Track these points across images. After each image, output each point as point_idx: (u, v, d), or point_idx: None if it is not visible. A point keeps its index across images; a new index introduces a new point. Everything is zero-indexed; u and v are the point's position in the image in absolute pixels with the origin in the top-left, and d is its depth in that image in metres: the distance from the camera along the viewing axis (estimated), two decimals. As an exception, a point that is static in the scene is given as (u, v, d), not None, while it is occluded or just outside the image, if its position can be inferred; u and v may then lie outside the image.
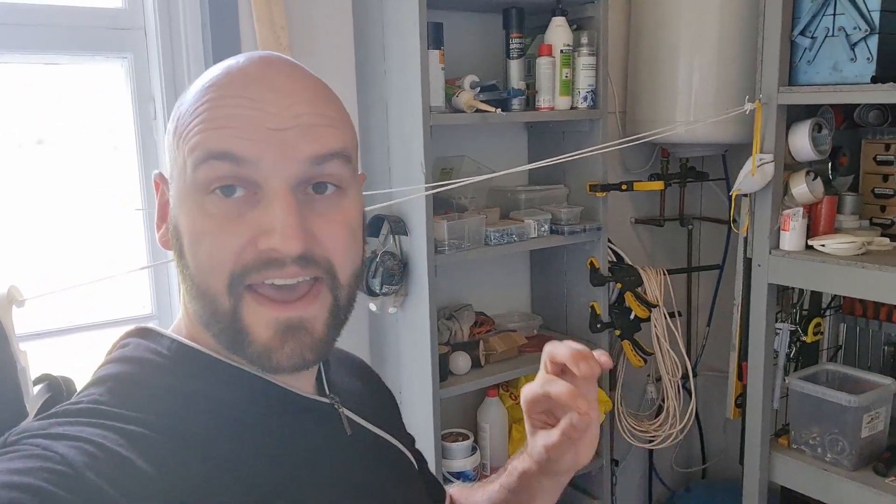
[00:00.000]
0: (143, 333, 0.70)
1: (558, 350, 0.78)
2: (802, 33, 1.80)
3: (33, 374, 0.75)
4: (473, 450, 2.04)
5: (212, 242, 0.62)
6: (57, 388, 0.70)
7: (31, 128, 1.72)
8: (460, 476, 2.00)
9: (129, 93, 1.81)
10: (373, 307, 1.97)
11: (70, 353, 1.70)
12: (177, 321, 0.73)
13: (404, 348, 1.99)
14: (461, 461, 2.00)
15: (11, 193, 1.70)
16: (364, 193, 1.77)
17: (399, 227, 1.88)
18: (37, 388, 0.71)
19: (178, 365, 0.67)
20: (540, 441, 0.81)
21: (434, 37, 1.81)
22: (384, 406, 0.90)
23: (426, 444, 1.94)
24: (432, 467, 1.90)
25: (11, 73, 1.70)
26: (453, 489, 1.01)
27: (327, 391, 0.77)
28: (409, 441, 0.92)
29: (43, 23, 1.66)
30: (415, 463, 0.87)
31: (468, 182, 1.80)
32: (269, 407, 0.69)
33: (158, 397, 0.64)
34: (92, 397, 0.63)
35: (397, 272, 1.89)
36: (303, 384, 0.73)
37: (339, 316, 0.67)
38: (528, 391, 0.80)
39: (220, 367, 0.68)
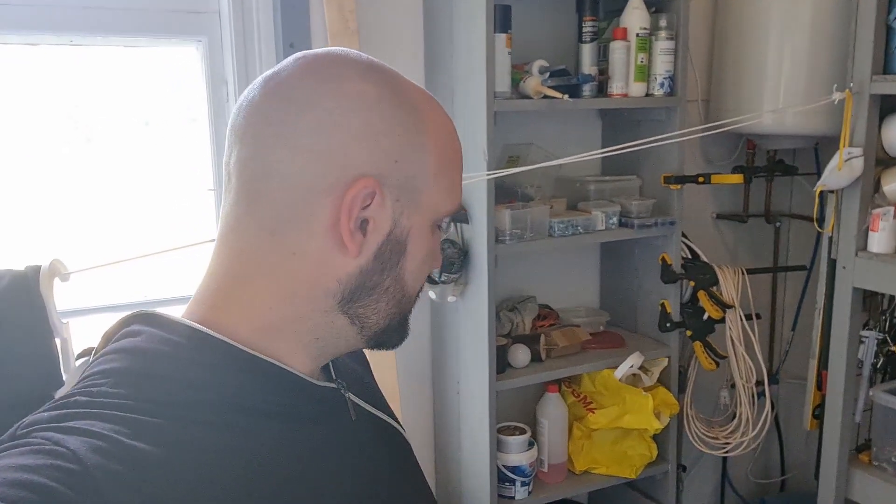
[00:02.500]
0: (152, 320, 0.68)
1: None
2: (900, 17, 1.66)
3: (81, 347, 0.76)
4: (531, 445, 2.00)
5: (430, 264, 0.74)
6: None
7: (116, 114, 1.80)
8: (515, 470, 1.96)
9: (203, 75, 1.85)
10: (432, 294, 1.95)
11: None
12: (196, 306, 0.70)
13: (464, 338, 1.96)
14: (517, 455, 1.96)
15: (81, 179, 1.78)
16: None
17: (460, 214, 1.86)
18: (80, 362, 0.71)
19: (194, 354, 0.66)
20: None
21: (501, 20, 1.76)
22: (373, 383, 0.90)
23: (482, 435, 1.92)
24: (487, 459, 1.90)
25: (94, 56, 1.77)
26: None
27: (334, 376, 0.76)
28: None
29: (122, 6, 1.72)
30: (409, 442, 0.86)
31: (529, 169, 1.76)
32: (283, 394, 0.68)
33: (174, 389, 0.63)
34: (102, 389, 0.61)
35: (457, 260, 1.87)
36: (315, 371, 0.73)
37: None
38: None
39: (238, 356, 0.67)
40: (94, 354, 0.67)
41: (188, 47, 1.85)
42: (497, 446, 1.94)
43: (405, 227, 0.68)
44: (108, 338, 0.69)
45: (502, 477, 1.97)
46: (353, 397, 0.76)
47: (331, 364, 0.77)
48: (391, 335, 0.74)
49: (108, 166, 1.80)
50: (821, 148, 2.26)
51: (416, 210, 0.69)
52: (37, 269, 0.83)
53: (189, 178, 1.88)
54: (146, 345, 0.65)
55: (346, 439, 0.72)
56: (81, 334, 0.81)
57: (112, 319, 0.71)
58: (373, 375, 0.92)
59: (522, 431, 1.99)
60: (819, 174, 2.26)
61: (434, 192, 0.69)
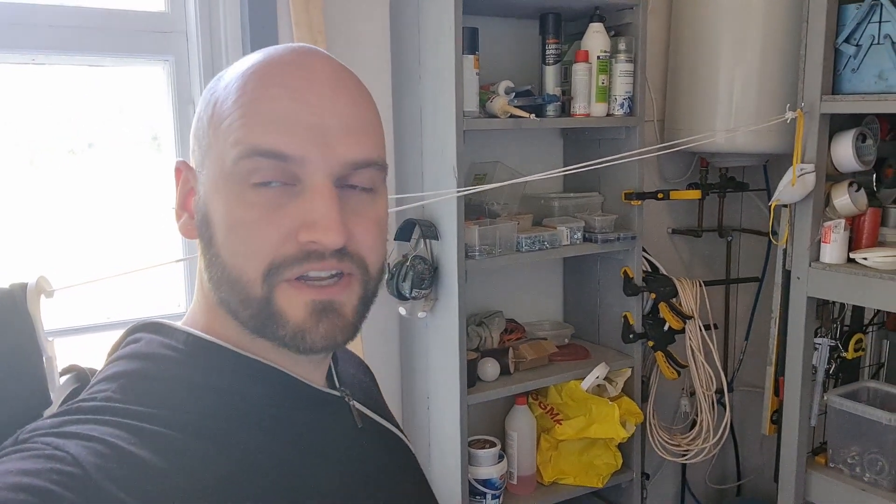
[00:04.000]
0: (154, 328, 0.70)
1: None
2: (847, 41, 1.76)
3: (62, 365, 0.76)
4: (500, 457, 2.02)
5: (251, 232, 0.62)
6: (84, 378, 0.71)
7: (81, 132, 1.77)
8: (486, 483, 1.98)
9: (170, 95, 1.84)
10: (402, 311, 1.97)
11: (104, 349, 1.74)
12: (190, 314, 0.72)
13: (433, 353, 1.98)
14: (488, 468, 1.98)
15: (56, 195, 1.74)
16: (396, 196, 1.76)
17: (430, 231, 1.88)
18: (64, 379, 0.72)
19: (193, 360, 0.67)
20: None
21: (469, 42, 1.80)
22: (379, 395, 0.90)
23: (453, 449, 1.93)
24: (458, 473, 1.92)
25: (56, 75, 1.74)
26: None
27: (337, 384, 0.77)
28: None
29: (88, 25, 1.70)
30: (414, 452, 0.87)
31: (500, 186, 1.80)
32: (286, 400, 0.69)
33: (174, 393, 0.64)
34: (105, 394, 0.62)
35: (427, 276, 1.89)
36: (315, 377, 0.73)
37: (366, 304, 0.69)
38: None
39: (238, 361, 0.68)
40: (105, 363, 0.69)
41: (154, 67, 1.84)
42: (467, 459, 1.96)
43: (202, 194, 0.67)
44: (116, 347, 0.70)
45: (473, 490, 1.99)
46: (357, 406, 0.77)
47: (334, 373, 0.78)
48: (267, 325, 0.64)
49: (65, 188, 1.77)
50: (769, 165, 2.36)
51: (207, 169, 0.66)
52: (23, 287, 0.82)
53: (156, 197, 1.86)
54: (146, 349, 0.67)
55: (349, 447, 0.73)
56: (64, 352, 0.81)
57: (91, 339, 0.73)
58: (379, 388, 0.93)
59: (492, 444, 2.02)
60: (768, 190, 2.37)
61: (218, 141, 0.64)
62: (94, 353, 0.77)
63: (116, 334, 0.73)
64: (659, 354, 2.15)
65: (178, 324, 0.71)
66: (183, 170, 0.70)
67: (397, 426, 0.85)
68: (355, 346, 0.97)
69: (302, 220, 0.62)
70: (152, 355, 0.67)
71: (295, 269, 0.63)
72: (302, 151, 0.62)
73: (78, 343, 1.71)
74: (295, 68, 0.64)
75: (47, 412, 0.67)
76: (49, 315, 0.83)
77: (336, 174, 0.63)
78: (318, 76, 0.64)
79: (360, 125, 0.65)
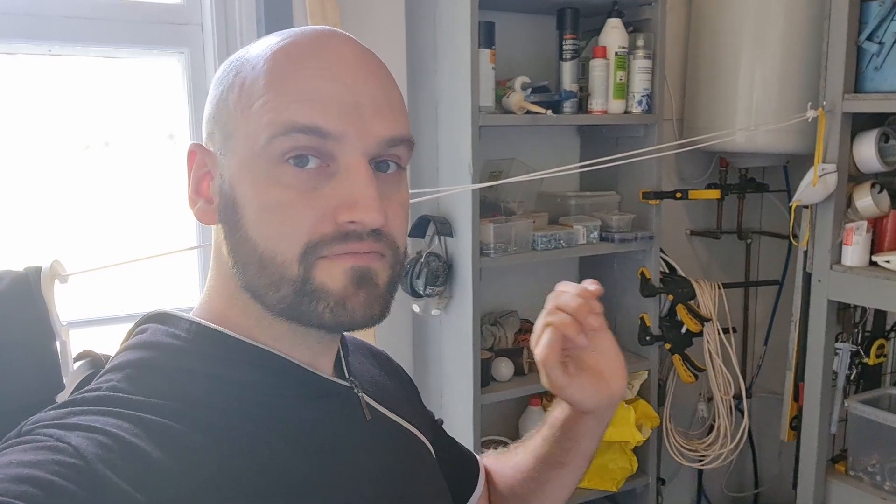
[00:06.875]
0: (162, 318, 0.70)
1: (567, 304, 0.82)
2: (870, 38, 1.72)
3: (77, 350, 0.75)
4: (513, 459, 1.99)
5: (285, 213, 0.62)
6: (98, 364, 0.70)
7: (97, 129, 1.77)
8: (498, 485, 1.95)
9: (185, 87, 1.84)
10: (416, 308, 1.95)
11: (119, 341, 1.74)
12: (204, 302, 0.71)
13: (447, 351, 1.96)
14: (500, 470, 1.95)
15: (74, 189, 1.74)
16: (411, 191, 1.75)
17: (445, 228, 1.86)
18: (78, 364, 0.72)
19: (198, 348, 0.66)
20: (555, 382, 0.81)
21: (485, 36, 1.79)
22: (402, 391, 0.88)
23: (464, 450, 1.91)
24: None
25: (70, 67, 1.74)
26: (488, 460, 1.01)
27: (347, 375, 0.75)
28: (429, 421, 0.91)
29: (104, 16, 1.70)
30: (432, 451, 0.85)
31: (516, 181, 1.77)
32: (292, 389, 0.68)
33: (178, 382, 0.63)
34: (110, 384, 0.62)
35: (441, 274, 1.87)
36: (323, 366, 0.72)
37: (394, 283, 0.68)
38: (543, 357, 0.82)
39: (243, 349, 0.67)
40: (114, 353, 0.69)
41: (170, 59, 1.84)
42: (480, 461, 1.93)
43: (226, 178, 0.65)
44: (126, 338, 0.70)
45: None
46: (366, 398, 0.75)
47: (343, 363, 0.76)
48: (303, 303, 0.63)
49: (81, 181, 1.77)
50: (790, 166, 2.32)
51: (232, 152, 0.65)
52: (37, 271, 0.81)
53: (171, 190, 1.86)
54: (151, 339, 0.67)
55: (356, 439, 0.71)
56: (78, 345, 0.80)
57: (107, 331, 0.72)
58: (401, 378, 0.91)
59: (506, 445, 1.99)
60: (789, 192, 2.33)
61: (248, 122, 0.63)
62: (109, 345, 0.76)
63: (130, 326, 0.73)
64: (676, 357, 2.11)
65: (184, 313, 0.70)
66: (198, 152, 0.68)
67: (412, 421, 0.83)
68: (368, 341, 0.95)
69: (340, 200, 0.62)
70: (157, 344, 0.67)
71: (335, 247, 0.62)
72: (340, 128, 0.62)
73: (93, 334, 1.70)
74: (327, 50, 0.64)
75: (59, 397, 0.68)
76: (64, 306, 0.82)
77: (371, 153, 0.63)
78: (347, 56, 0.65)
79: (390, 103, 0.66)
